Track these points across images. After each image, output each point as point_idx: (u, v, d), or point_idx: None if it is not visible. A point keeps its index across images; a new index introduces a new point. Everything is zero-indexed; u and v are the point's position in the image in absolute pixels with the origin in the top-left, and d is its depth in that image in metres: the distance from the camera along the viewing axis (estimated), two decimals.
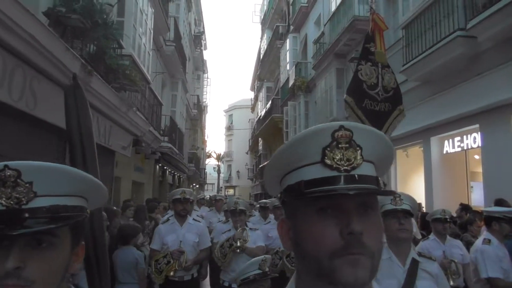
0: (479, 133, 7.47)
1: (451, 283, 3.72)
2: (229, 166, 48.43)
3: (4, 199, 0.84)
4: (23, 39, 4.37)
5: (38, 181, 0.87)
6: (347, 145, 0.81)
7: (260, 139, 30.28)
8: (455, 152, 8.57)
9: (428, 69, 8.13)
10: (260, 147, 30.79)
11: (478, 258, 3.65)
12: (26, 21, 4.27)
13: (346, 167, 0.80)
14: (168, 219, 4.87)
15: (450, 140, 8.64)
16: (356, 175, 0.80)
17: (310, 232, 0.81)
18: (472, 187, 8.55)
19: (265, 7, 30.11)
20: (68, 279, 3.32)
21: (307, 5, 18.43)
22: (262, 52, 29.12)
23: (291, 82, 19.14)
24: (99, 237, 1.60)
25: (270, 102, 24.59)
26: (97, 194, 1.03)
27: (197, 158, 29.01)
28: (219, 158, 45.87)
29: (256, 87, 35.56)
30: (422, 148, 9.49)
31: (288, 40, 20.88)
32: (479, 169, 7.78)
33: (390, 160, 0.95)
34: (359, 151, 0.82)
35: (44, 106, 5.02)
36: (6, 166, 0.86)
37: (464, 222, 5.70)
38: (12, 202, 0.84)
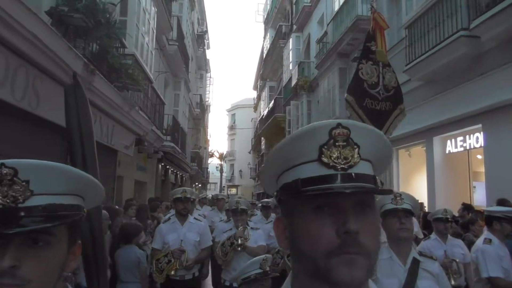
0: (481, 133, 7.44)
1: (452, 282, 3.72)
2: (232, 166, 48.45)
3: (0, 197, 0.84)
4: (25, 38, 4.38)
5: (34, 179, 0.87)
6: (345, 143, 0.81)
7: (262, 138, 30.29)
8: (458, 152, 8.55)
9: (431, 68, 8.11)
10: (263, 147, 30.81)
11: (479, 257, 3.64)
12: (28, 20, 4.28)
13: (343, 166, 0.79)
14: (169, 218, 4.88)
15: (453, 140, 8.62)
16: (353, 174, 0.79)
17: (306, 230, 0.80)
18: (474, 187, 8.53)
19: (268, 7, 30.12)
20: (70, 278, 3.28)
21: (310, 4, 18.41)
22: (265, 51, 29.11)
23: (294, 82, 19.12)
24: (98, 236, 1.59)
25: (272, 102, 24.57)
26: (94, 193, 1.03)
27: (199, 158, 29.04)
28: (221, 157, 45.90)
29: (258, 87, 35.55)
30: (424, 148, 9.47)
31: (291, 40, 20.86)
32: (482, 169, 7.75)
33: (388, 159, 0.94)
34: (356, 150, 0.81)
35: (46, 105, 5.03)
36: (2, 164, 0.85)
37: (466, 222, 5.69)
38: (8, 201, 0.84)
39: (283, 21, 24.37)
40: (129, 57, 8.10)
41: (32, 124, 5.18)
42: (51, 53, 4.92)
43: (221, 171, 44.17)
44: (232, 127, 49.04)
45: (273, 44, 25.26)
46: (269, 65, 27.69)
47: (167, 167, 16.88)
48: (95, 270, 1.55)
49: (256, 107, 37.88)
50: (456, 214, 6.60)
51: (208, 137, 42.10)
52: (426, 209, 8.26)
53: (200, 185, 35.77)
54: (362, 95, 2.65)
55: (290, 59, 20.74)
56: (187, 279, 4.55)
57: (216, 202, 9.23)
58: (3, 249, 0.84)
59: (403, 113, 2.77)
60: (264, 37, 31.20)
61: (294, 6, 21.47)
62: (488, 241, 3.68)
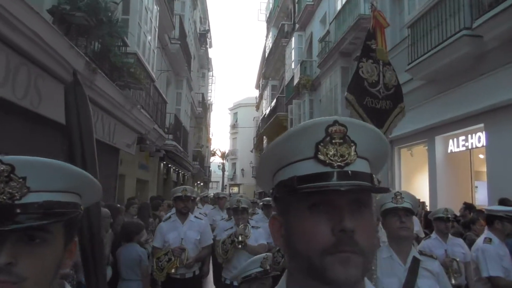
0: (483, 132, 7.42)
1: (453, 281, 3.71)
2: (234, 164, 48.49)
3: None
4: (27, 37, 4.39)
5: (31, 176, 0.86)
6: (341, 140, 0.80)
7: (264, 137, 30.27)
8: (460, 151, 8.53)
9: (434, 68, 8.09)
10: (265, 146, 30.77)
11: (479, 257, 3.64)
12: (30, 19, 4.29)
13: (339, 163, 0.79)
14: (169, 217, 4.88)
15: (455, 139, 8.60)
16: (349, 171, 0.79)
17: (301, 228, 0.79)
18: (476, 186, 8.51)
19: (271, 5, 30.07)
20: (72, 275, 3.27)
21: (312, 3, 18.39)
22: (267, 50, 29.09)
23: (296, 81, 19.11)
24: (96, 233, 1.59)
25: (275, 101, 24.56)
26: (91, 191, 1.02)
27: (201, 156, 29.06)
28: (223, 156, 45.88)
29: (261, 86, 35.55)
30: (426, 147, 9.45)
31: (293, 39, 20.84)
32: (484, 169, 7.73)
33: (385, 158, 0.93)
34: (353, 147, 0.80)
35: (48, 103, 5.04)
36: None
37: (467, 221, 5.69)
38: (5, 197, 0.83)
39: (285, 20, 24.34)
40: (131, 56, 8.11)
41: (33, 122, 5.20)
42: (52, 52, 4.93)
43: (223, 170, 44.15)
44: (234, 126, 49.08)
45: (275, 43, 25.24)
46: (271, 64, 27.69)
47: (169, 165, 16.90)
48: (93, 268, 1.55)
49: (258, 106, 37.89)
50: (458, 214, 6.60)
51: (210, 136, 42.11)
52: (428, 208, 8.25)
53: (202, 184, 35.81)
54: (362, 93, 2.65)
55: (292, 58, 20.73)
56: (187, 277, 4.56)
57: (217, 200, 9.23)
58: None
59: (403, 112, 2.76)
60: (267, 36, 31.18)
61: (296, 5, 21.45)
62: (488, 240, 3.68)
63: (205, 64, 31.82)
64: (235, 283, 4.16)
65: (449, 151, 8.83)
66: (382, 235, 2.84)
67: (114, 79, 7.36)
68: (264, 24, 33.45)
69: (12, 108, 4.60)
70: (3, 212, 0.83)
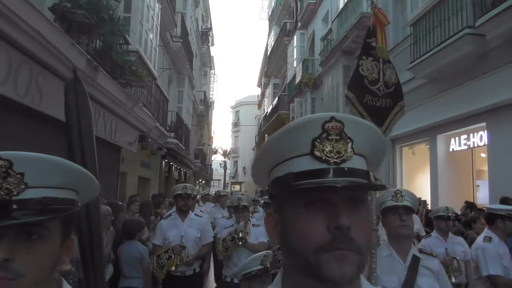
0: (485, 131, 7.41)
1: (453, 280, 3.72)
2: (235, 162, 48.52)
3: None
4: (28, 35, 4.40)
5: (29, 172, 0.86)
6: (338, 137, 0.79)
7: (266, 135, 30.17)
8: (462, 150, 8.52)
9: (436, 66, 8.07)
10: None
11: (479, 255, 3.64)
12: (31, 16, 4.29)
13: (335, 160, 0.78)
14: (170, 215, 4.89)
15: (457, 138, 8.59)
16: (346, 168, 0.78)
17: (297, 225, 0.79)
18: (478, 185, 8.50)
19: (273, 4, 30.05)
20: (74, 272, 3.27)
21: (315, 1, 18.35)
22: (269, 48, 29.07)
23: (298, 79, 19.09)
24: (95, 231, 1.59)
25: (276, 99, 24.55)
26: (89, 188, 1.01)
27: (203, 154, 29.08)
28: (225, 154, 45.87)
29: (263, 84, 35.54)
30: (428, 146, 9.44)
31: (295, 37, 20.81)
32: (485, 168, 7.72)
33: (382, 155, 0.93)
34: (349, 144, 0.80)
35: (49, 101, 5.05)
36: None
37: (468, 220, 5.68)
38: (2, 193, 0.83)
39: (287, 18, 24.32)
40: (133, 54, 8.11)
41: (35, 120, 5.21)
42: (54, 50, 4.93)
43: (225, 168, 44.15)
44: (236, 124, 49.09)
45: (278, 41, 25.22)
46: (273, 62, 27.67)
47: (171, 163, 16.93)
48: (91, 265, 1.55)
49: (260, 104, 37.88)
50: (459, 212, 6.59)
51: (212, 134, 42.15)
52: (429, 207, 8.24)
53: (203, 182, 35.86)
54: (362, 91, 2.64)
55: (295, 56, 20.70)
56: (188, 275, 4.56)
57: (218, 198, 9.23)
58: None
59: (403, 110, 2.75)
60: (269, 34, 31.15)
61: (298, 3, 21.42)
62: (488, 239, 3.68)
63: (207, 62, 31.81)
64: (235, 281, 4.18)
65: (451, 150, 8.82)
66: (382, 233, 2.84)
67: (116, 77, 7.36)
68: (266, 22, 33.42)
69: (13, 106, 4.61)
70: (0, 208, 0.82)
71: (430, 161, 9.27)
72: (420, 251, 2.64)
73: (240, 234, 4.42)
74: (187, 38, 16.27)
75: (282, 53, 24.50)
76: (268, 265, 3.19)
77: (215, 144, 45.57)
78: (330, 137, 0.79)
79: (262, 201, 8.07)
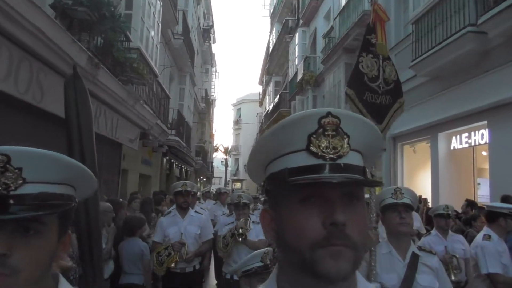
0: (487, 129, 7.40)
1: (453, 278, 3.72)
2: (237, 160, 48.53)
3: None
4: (29, 31, 4.40)
5: (27, 167, 0.85)
6: (334, 132, 0.78)
7: None
8: (463, 148, 8.51)
9: (438, 64, 8.05)
10: None
11: (478, 253, 3.64)
12: (32, 13, 4.29)
13: (331, 155, 0.77)
14: (170, 212, 4.90)
15: (458, 136, 8.57)
16: (342, 164, 0.77)
17: (292, 221, 0.78)
18: (479, 184, 8.49)
19: (275, 1, 29.98)
20: (75, 269, 3.26)
21: None
22: (271, 46, 29.03)
23: (299, 77, 19.05)
24: (94, 227, 1.58)
25: (278, 97, 24.52)
26: (86, 184, 1.01)
27: (204, 152, 29.11)
28: (226, 152, 45.97)
29: (264, 81, 35.51)
30: (429, 144, 9.43)
31: (297, 34, 20.76)
32: (486, 166, 7.71)
33: (378, 151, 0.92)
34: (346, 140, 0.79)
35: (50, 98, 5.05)
36: None
37: (468, 218, 5.68)
38: (0, 188, 0.82)
39: (289, 16, 24.26)
40: (134, 51, 8.11)
41: (36, 117, 5.22)
42: (55, 47, 4.94)
43: (226, 165, 44.23)
44: (237, 122, 49.08)
45: (279, 39, 25.17)
46: (275, 59, 27.63)
47: (172, 161, 16.94)
48: (90, 261, 1.55)
49: (261, 102, 37.86)
50: (460, 210, 6.59)
51: (213, 132, 42.17)
52: (430, 205, 8.23)
53: (205, 179, 35.88)
54: (362, 88, 2.63)
55: (296, 54, 20.66)
56: (187, 271, 4.57)
57: (219, 196, 9.25)
58: None
59: (402, 107, 2.75)
60: (270, 32, 31.11)
61: (300, 0, 21.37)
62: (487, 237, 3.67)
63: (209, 60, 31.80)
64: (235, 278, 4.19)
65: (452, 148, 8.81)
66: (382, 231, 2.84)
67: (117, 74, 7.36)
68: (268, 20, 33.37)
69: (14, 103, 4.61)
70: None
71: (431, 159, 9.25)
72: (420, 248, 2.64)
73: (240, 231, 4.43)
74: (188, 35, 16.26)
75: (284, 50, 24.45)
76: (268, 262, 3.19)
77: (217, 141, 45.70)
78: (326, 133, 0.78)
79: (263, 199, 8.07)
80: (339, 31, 13.96)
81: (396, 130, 9.94)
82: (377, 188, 2.96)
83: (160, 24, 10.69)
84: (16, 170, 0.84)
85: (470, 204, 6.52)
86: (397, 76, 2.77)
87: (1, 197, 0.83)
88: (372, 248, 2.53)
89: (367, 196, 2.77)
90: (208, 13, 30.25)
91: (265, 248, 3.42)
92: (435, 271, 2.51)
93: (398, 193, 2.53)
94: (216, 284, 6.50)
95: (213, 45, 33.20)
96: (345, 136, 0.79)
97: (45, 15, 4.62)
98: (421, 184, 9.71)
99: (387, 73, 2.69)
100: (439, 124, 8.67)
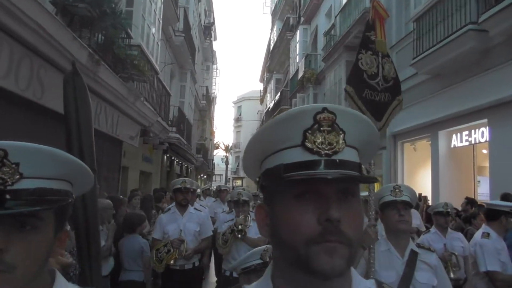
0: (487, 127, 7.39)
1: (452, 275, 3.72)
2: (237, 158, 48.52)
3: None
4: (30, 28, 4.40)
5: (25, 162, 0.85)
6: (330, 128, 0.78)
7: None
8: (463, 146, 8.50)
9: (439, 62, 8.04)
10: None
11: (477, 251, 3.64)
12: (33, 10, 4.29)
13: (327, 151, 0.77)
14: (169, 209, 4.91)
15: (458, 134, 8.57)
16: (337, 160, 0.77)
17: (287, 217, 0.78)
18: (479, 182, 8.49)
19: None
20: (75, 265, 3.28)
21: None
22: (272, 43, 28.99)
23: (300, 74, 19.03)
24: (92, 223, 1.58)
25: (279, 94, 24.51)
26: (83, 180, 1.01)
27: (205, 149, 29.11)
28: (227, 149, 45.94)
29: (265, 79, 35.46)
30: (429, 142, 9.43)
31: (298, 32, 20.73)
32: (486, 164, 7.72)
33: (375, 147, 0.92)
34: (341, 135, 0.78)
35: (51, 95, 5.05)
36: None
37: (468, 216, 5.68)
38: None
39: (290, 13, 24.22)
40: (135, 48, 8.11)
41: (36, 113, 5.22)
42: (55, 43, 4.94)
43: (227, 163, 44.22)
44: (238, 119, 49.08)
45: (280, 36, 25.14)
46: (276, 57, 27.59)
47: (173, 158, 16.94)
48: (87, 257, 1.55)
49: (262, 100, 37.83)
50: (460, 208, 6.59)
51: (214, 129, 42.18)
52: (430, 202, 8.23)
53: (205, 177, 35.91)
54: (361, 85, 2.62)
55: (297, 52, 20.62)
56: (187, 268, 4.58)
57: (219, 193, 9.25)
58: None
59: (400, 105, 2.74)
60: (271, 29, 31.06)
61: None
62: (486, 235, 3.67)
63: (210, 57, 31.77)
64: (234, 274, 4.19)
65: (452, 146, 8.81)
66: (381, 228, 2.84)
67: (118, 71, 7.36)
68: (269, 17, 33.33)
69: (15, 99, 4.62)
70: None
71: (431, 157, 9.25)
72: (418, 246, 2.63)
73: (239, 227, 4.43)
74: (189, 32, 16.24)
75: (285, 48, 24.43)
76: (268, 259, 3.19)
77: (217, 139, 45.68)
78: (322, 128, 0.78)
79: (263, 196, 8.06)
80: (340, 29, 13.93)
81: (396, 128, 9.93)
82: (376, 185, 2.96)
83: (161, 21, 10.68)
84: (13, 165, 0.84)
85: (470, 202, 6.52)
86: (396, 73, 2.76)
87: None
88: (371, 246, 2.53)
89: (366, 193, 2.77)
90: (209, 10, 30.21)
91: (265, 245, 3.43)
92: (433, 268, 2.51)
93: (397, 190, 2.53)
94: (216, 281, 6.52)
95: (214, 43, 33.19)
96: (340, 132, 0.79)
97: (46, 12, 4.62)
98: (422, 182, 9.71)
99: (386, 70, 2.68)
100: (439, 122, 8.67)
